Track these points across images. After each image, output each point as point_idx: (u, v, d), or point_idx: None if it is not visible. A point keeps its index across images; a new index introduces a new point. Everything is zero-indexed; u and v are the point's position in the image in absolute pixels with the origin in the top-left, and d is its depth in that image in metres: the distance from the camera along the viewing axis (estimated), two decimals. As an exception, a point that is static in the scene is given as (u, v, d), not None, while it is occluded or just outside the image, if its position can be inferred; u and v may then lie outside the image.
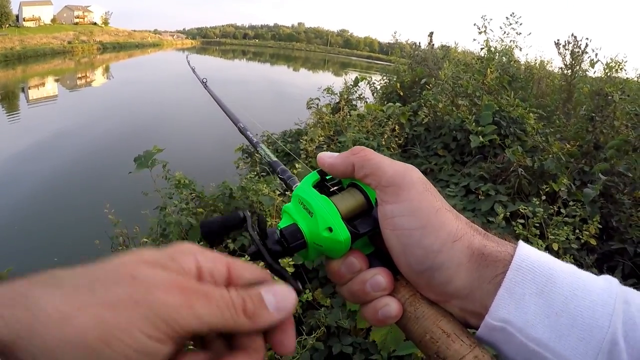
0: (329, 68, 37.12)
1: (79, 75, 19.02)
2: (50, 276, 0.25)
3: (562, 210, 2.51)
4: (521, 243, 0.34)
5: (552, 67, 7.06)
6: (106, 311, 0.23)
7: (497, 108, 4.01)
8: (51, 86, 14.82)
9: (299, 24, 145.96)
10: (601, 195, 2.82)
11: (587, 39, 5.11)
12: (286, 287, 0.31)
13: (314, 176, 0.40)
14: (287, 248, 0.36)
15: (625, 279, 2.36)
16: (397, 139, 4.24)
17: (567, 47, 5.20)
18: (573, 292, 0.31)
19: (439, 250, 0.33)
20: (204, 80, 1.64)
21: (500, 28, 5.55)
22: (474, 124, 3.81)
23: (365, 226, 0.37)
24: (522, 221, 2.39)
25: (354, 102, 5.68)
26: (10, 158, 5.85)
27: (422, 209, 0.33)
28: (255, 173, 2.96)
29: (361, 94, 5.89)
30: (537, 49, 12.19)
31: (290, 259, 1.88)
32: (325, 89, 5.54)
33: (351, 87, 5.71)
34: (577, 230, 2.36)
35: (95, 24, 55.12)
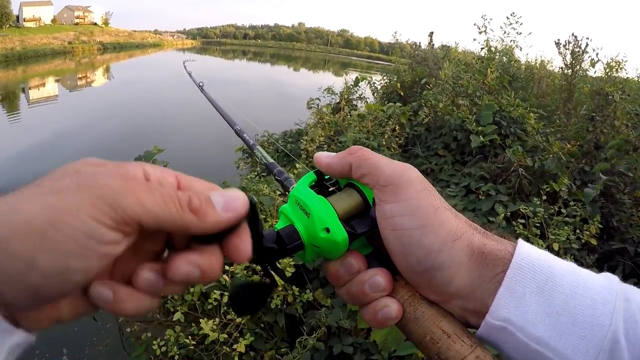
0: (330, 68, 37.13)
1: (80, 76, 19.02)
2: (9, 192, 0.25)
3: (563, 210, 2.51)
4: (521, 241, 0.33)
5: (552, 66, 7.05)
6: (52, 197, 0.24)
7: (498, 108, 4.01)
8: (52, 86, 14.82)
9: (300, 24, 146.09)
10: (602, 195, 2.82)
11: (587, 38, 5.10)
12: (237, 189, 0.30)
13: (310, 177, 0.40)
14: (284, 249, 0.36)
15: (626, 279, 2.34)
16: (397, 139, 4.24)
17: (567, 47, 5.19)
18: (573, 291, 0.31)
19: (440, 250, 0.32)
20: (201, 84, 1.66)
21: (501, 28, 5.55)
22: (474, 123, 3.81)
23: (363, 226, 0.36)
24: (522, 221, 2.39)
25: (354, 102, 5.67)
26: (10, 158, 5.85)
27: (421, 208, 0.33)
28: (256, 173, 2.96)
29: (362, 94, 5.89)
30: (538, 48, 12.25)
31: (291, 259, 1.88)
32: (325, 89, 5.53)
33: (351, 87, 5.71)
34: (578, 230, 2.36)
35: (95, 24, 55.17)
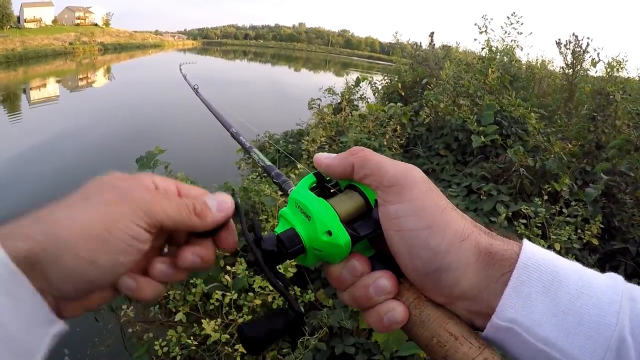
0: (330, 68, 37.13)
1: (81, 76, 19.05)
2: (54, 204, 0.31)
3: (564, 210, 2.50)
4: (526, 241, 0.33)
5: (553, 66, 7.04)
6: (103, 208, 0.31)
7: (499, 108, 4.00)
8: (52, 87, 14.84)
9: (300, 24, 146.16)
10: (603, 195, 2.81)
11: (588, 38, 5.09)
12: (224, 194, 0.37)
13: (310, 178, 0.39)
14: (285, 254, 0.35)
15: (628, 279, 2.31)
16: (398, 139, 4.24)
17: (568, 47, 5.18)
18: (579, 290, 0.30)
19: (447, 251, 0.32)
20: (195, 87, 1.66)
21: (502, 28, 5.53)
22: (475, 123, 3.81)
23: (366, 228, 0.36)
24: (524, 221, 2.39)
25: (355, 102, 5.66)
26: (11, 159, 5.85)
27: (426, 208, 0.33)
28: (257, 174, 2.96)
29: (363, 94, 5.87)
30: (539, 48, 12.19)
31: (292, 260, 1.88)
32: (326, 89, 5.52)
33: (352, 87, 5.70)
34: (579, 230, 2.35)
35: (96, 25, 55.28)
